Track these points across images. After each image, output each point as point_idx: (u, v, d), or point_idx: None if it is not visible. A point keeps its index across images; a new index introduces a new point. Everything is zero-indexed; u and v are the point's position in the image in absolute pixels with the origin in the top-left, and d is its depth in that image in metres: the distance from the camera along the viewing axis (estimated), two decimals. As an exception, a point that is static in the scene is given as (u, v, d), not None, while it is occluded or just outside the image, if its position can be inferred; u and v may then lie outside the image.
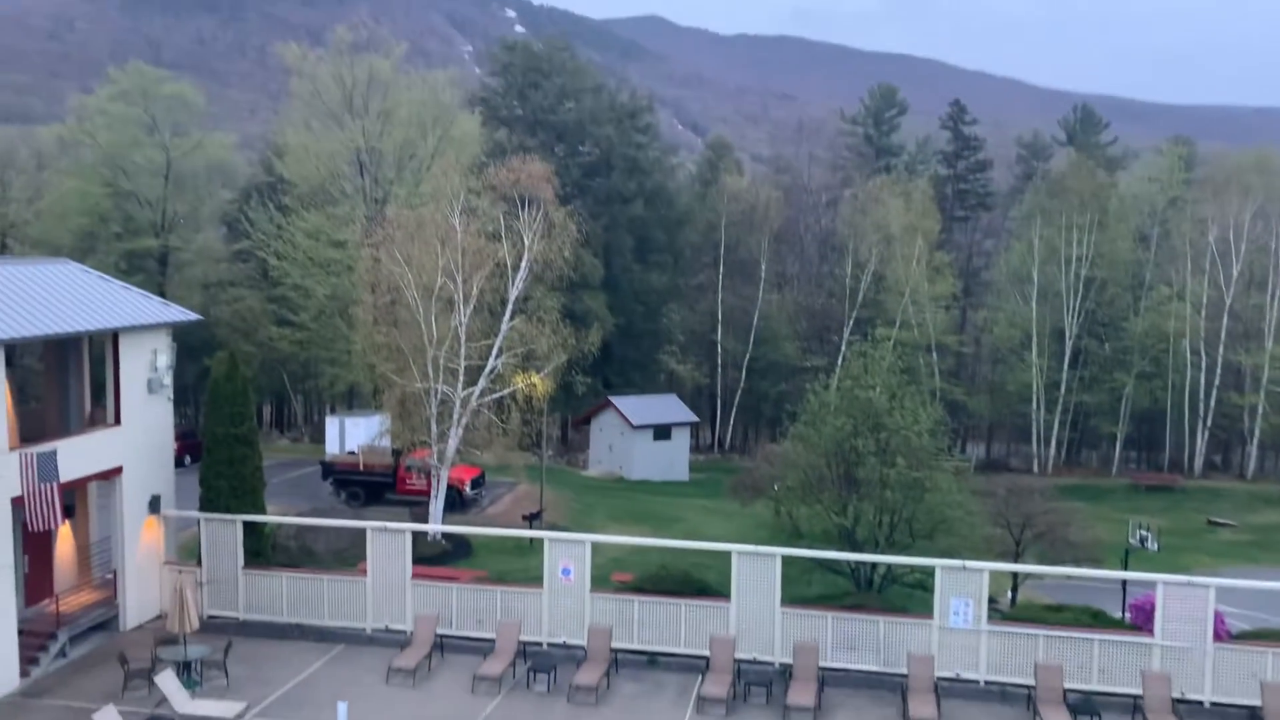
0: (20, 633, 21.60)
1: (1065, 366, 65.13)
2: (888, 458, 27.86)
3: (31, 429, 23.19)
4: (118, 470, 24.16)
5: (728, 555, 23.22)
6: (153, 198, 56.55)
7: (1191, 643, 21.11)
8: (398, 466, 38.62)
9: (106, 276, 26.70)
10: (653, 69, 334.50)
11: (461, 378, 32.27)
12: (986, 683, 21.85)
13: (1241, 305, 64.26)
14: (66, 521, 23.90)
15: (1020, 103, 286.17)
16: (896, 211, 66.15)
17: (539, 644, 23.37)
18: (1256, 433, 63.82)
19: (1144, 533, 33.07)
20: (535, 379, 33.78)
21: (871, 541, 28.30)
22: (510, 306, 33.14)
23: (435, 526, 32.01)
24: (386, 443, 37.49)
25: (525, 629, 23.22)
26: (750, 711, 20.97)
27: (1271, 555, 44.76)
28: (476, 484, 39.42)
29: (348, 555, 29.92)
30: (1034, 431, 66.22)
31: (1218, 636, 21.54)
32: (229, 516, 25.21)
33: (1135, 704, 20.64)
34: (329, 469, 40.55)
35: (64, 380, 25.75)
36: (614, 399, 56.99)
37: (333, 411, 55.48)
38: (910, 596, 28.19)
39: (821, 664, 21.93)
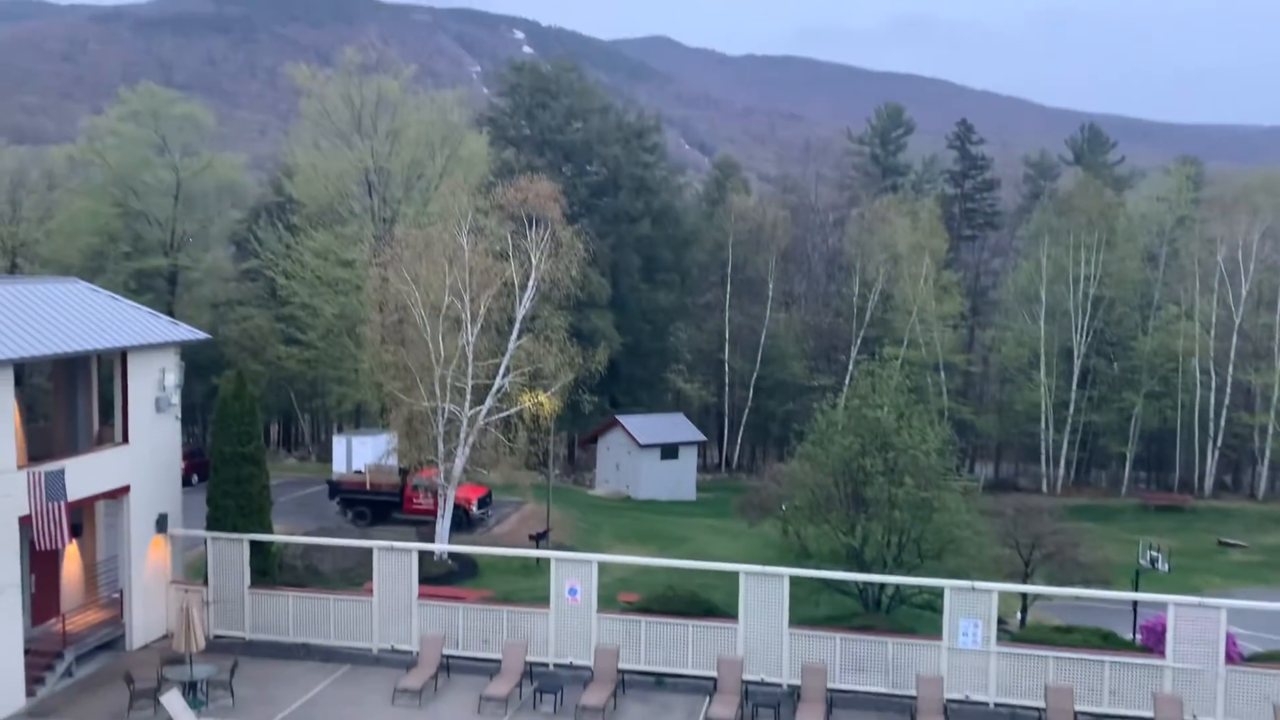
0: (27, 652, 21.56)
1: (1074, 386, 64.93)
2: (896, 477, 27.76)
3: (40, 447, 23.25)
4: (125, 489, 24.18)
5: (735, 575, 23.11)
6: (162, 217, 56.88)
7: (1203, 665, 20.92)
8: (404, 486, 38.60)
9: (115, 295, 26.81)
10: (660, 89, 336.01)
11: (469, 397, 32.30)
12: (996, 705, 21.67)
13: (1251, 324, 64.08)
14: (73, 540, 23.92)
15: (1027, 122, 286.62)
16: (903, 231, 66.15)
17: (545, 664, 23.26)
18: (1267, 453, 63.40)
19: (1154, 553, 32.89)
20: (542, 398, 33.77)
21: (880, 562, 28.16)
22: (517, 325, 33.18)
23: (442, 546, 31.97)
24: (393, 462, 37.52)
25: (532, 649, 23.12)
26: (758, 733, 20.83)
27: (1283, 576, 44.43)
28: (483, 503, 39.36)
29: (354, 575, 29.87)
30: (1042, 451, 65.96)
31: (1230, 659, 21.37)
32: (236, 536, 25.18)
33: (1147, 727, 20.48)
34: (336, 488, 40.53)
35: (72, 399, 25.80)
36: (621, 418, 56.94)
37: (340, 430, 55.50)
38: (919, 617, 28.01)
39: (830, 685, 21.79)
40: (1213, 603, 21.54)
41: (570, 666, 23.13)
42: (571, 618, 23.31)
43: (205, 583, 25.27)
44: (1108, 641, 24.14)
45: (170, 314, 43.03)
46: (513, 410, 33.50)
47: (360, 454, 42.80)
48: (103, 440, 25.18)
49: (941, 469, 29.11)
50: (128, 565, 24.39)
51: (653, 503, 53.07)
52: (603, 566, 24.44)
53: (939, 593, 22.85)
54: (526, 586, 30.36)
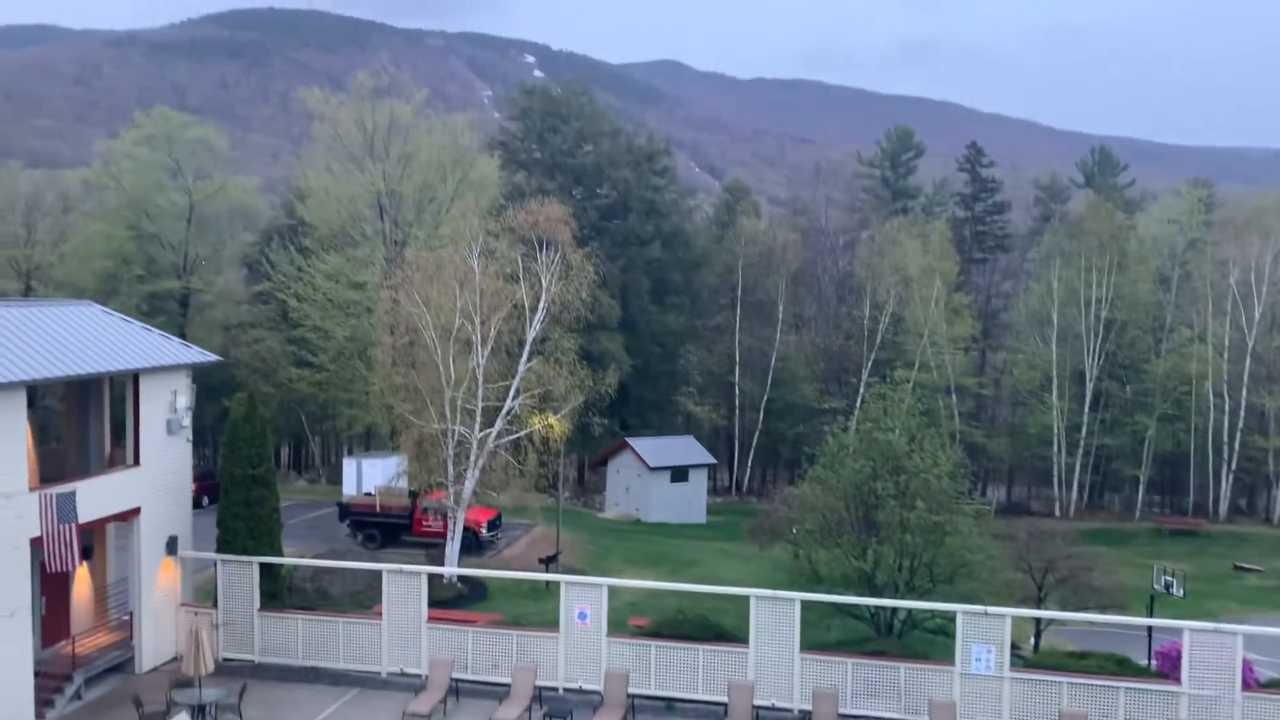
0: (36, 674, 21.52)
1: (1086, 409, 64.64)
2: (907, 501, 27.64)
3: (51, 469, 23.32)
4: (136, 511, 24.21)
5: (746, 599, 23.01)
6: (175, 240, 57.24)
7: (1220, 691, 20.70)
8: (414, 508, 38.56)
9: (128, 318, 26.94)
10: (670, 113, 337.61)
11: (479, 419, 32.29)
12: (1010, 731, 21.48)
13: (1264, 347, 63.80)
14: (84, 562, 23.91)
15: (1037, 145, 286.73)
16: (914, 253, 66.16)
17: (555, 689, 23.14)
18: (1282, 476, 63.05)
19: (1169, 578, 32.58)
20: (552, 420, 33.75)
21: (891, 586, 28.00)
22: (528, 348, 33.20)
23: (451, 569, 31.89)
24: (403, 484, 37.49)
25: (541, 673, 23.01)
26: (769, 759, 20.67)
27: (1299, 601, 44.01)
28: (493, 526, 39.29)
29: (363, 597, 29.80)
30: (1055, 474, 65.63)
31: (1247, 685, 21.15)
32: (246, 558, 25.18)
33: (1163, 754, 20.26)
34: (346, 510, 40.52)
35: (84, 421, 25.90)
36: (631, 440, 56.84)
37: (350, 453, 55.58)
38: (931, 642, 27.82)
39: (841, 711, 21.61)
40: (1229, 628, 21.33)
41: (580, 691, 23.01)
42: (581, 642, 23.20)
43: (215, 605, 25.24)
44: (1123, 667, 23.93)
45: (182, 336, 43.26)
46: (523, 433, 33.51)
47: (370, 476, 42.86)
48: (114, 462, 25.25)
49: (953, 492, 28.97)
50: (138, 587, 24.40)
51: (663, 526, 52.89)
52: (613, 590, 24.37)
53: (951, 617, 22.70)
54: (536, 610, 30.26)
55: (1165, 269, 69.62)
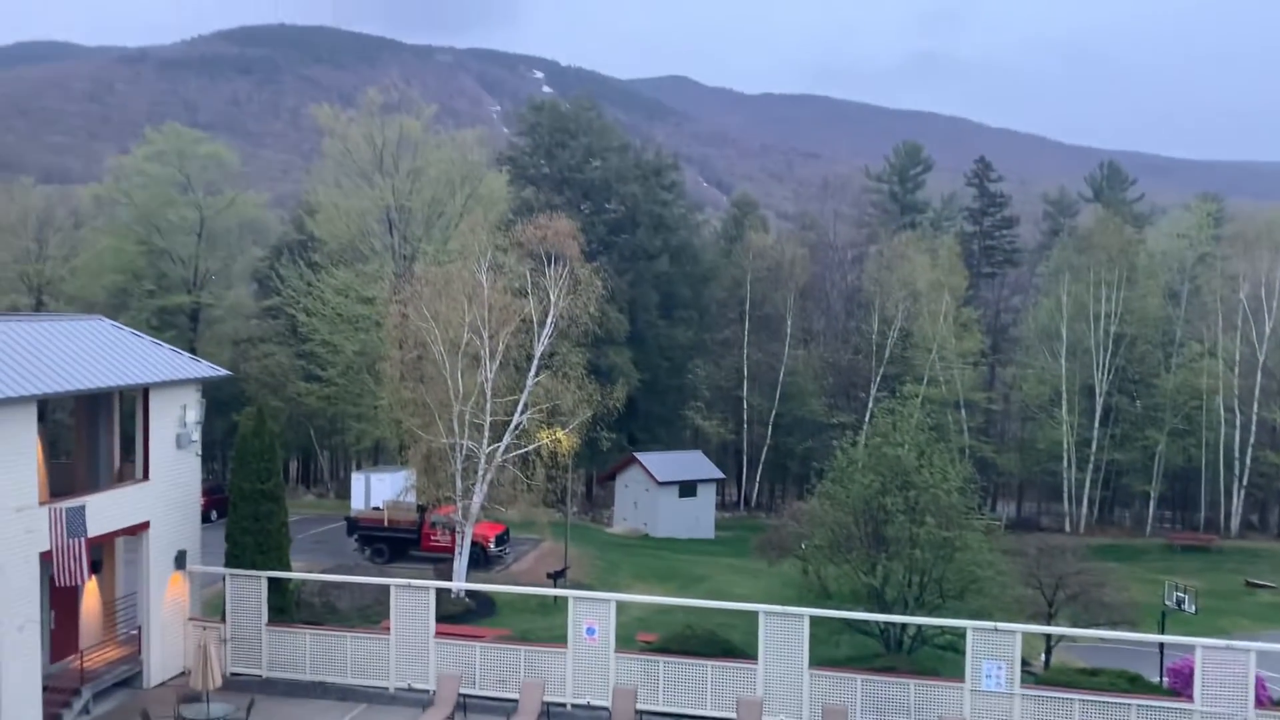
0: (45, 689, 21.51)
1: (1096, 424, 64.39)
2: (917, 516, 27.54)
3: (61, 483, 23.36)
4: (145, 525, 24.24)
5: (754, 615, 22.91)
6: (185, 255, 57.55)
7: (1233, 709, 20.53)
8: (422, 523, 38.56)
9: (138, 332, 27.03)
10: (678, 128, 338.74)
11: (487, 433, 32.32)
12: (1021, 749, 21.32)
13: (1275, 362, 63.53)
14: (93, 577, 23.94)
15: (1046, 159, 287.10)
16: (923, 268, 66.12)
17: (563, 704, 23.05)
18: (1294, 492, 62.73)
19: (1181, 594, 32.41)
20: (560, 435, 33.74)
21: (901, 602, 27.88)
22: (536, 362, 33.25)
23: (459, 584, 31.85)
24: (411, 499, 37.51)
25: (549, 689, 22.92)
26: (778, 776, 20.54)
27: (1313, 618, 43.66)
28: (501, 541, 39.25)
29: (371, 612, 29.78)
30: (1065, 490, 65.33)
31: (1260, 702, 20.99)
32: (254, 573, 25.16)
33: (1176, 772, 20.08)
34: (354, 525, 40.52)
35: (94, 435, 25.96)
36: (639, 455, 56.79)
37: (358, 467, 55.60)
38: (941, 658, 27.68)
39: (851, 728, 21.49)
40: (1241, 645, 21.17)
41: (588, 707, 22.92)
42: (589, 657, 23.12)
43: (223, 620, 25.23)
44: (1134, 684, 23.76)
45: (192, 351, 43.44)
46: (531, 447, 33.51)
47: (379, 491, 42.90)
48: (124, 476, 25.28)
49: (963, 508, 28.88)
50: (146, 602, 24.40)
51: (671, 541, 52.78)
52: (621, 605, 24.29)
53: (961, 634, 22.56)
54: (544, 625, 30.19)
55: (1175, 284, 69.41)
